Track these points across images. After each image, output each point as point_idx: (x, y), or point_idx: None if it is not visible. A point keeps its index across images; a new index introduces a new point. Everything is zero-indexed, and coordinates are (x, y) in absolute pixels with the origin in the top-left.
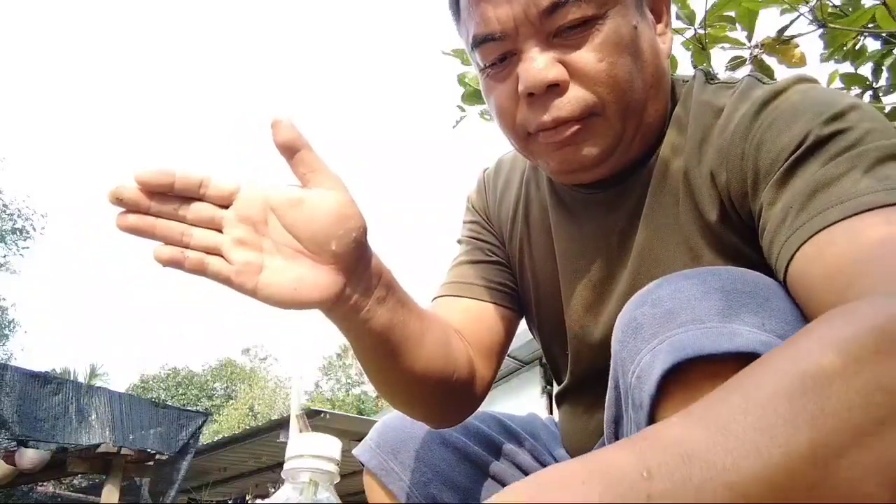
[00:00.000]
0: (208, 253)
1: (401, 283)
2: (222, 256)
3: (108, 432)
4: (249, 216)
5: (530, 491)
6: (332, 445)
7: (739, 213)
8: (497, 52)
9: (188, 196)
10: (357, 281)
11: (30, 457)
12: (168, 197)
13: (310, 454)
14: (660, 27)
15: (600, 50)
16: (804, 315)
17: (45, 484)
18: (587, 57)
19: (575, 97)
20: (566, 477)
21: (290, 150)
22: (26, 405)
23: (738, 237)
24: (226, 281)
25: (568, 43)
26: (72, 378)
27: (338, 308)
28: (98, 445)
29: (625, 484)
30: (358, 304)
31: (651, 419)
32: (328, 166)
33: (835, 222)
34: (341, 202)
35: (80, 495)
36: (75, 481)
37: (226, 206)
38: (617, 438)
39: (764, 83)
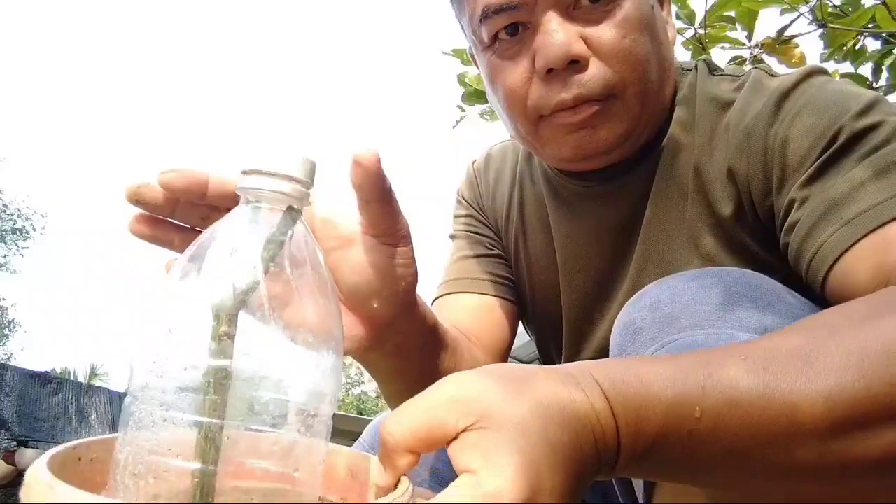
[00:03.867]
0: None
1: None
2: None
3: (108, 432)
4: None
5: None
6: (305, 162)
7: (758, 210)
8: (509, 22)
9: (219, 205)
10: (393, 333)
11: (30, 457)
12: (194, 204)
13: (279, 172)
14: (663, 15)
15: (623, 26)
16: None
17: None
18: (610, 33)
19: (597, 75)
20: (643, 404)
21: (363, 194)
22: (26, 405)
23: (750, 235)
24: None
25: (589, 17)
26: (72, 378)
27: (364, 357)
28: None
29: (679, 418)
30: (389, 353)
31: None
32: (399, 216)
33: (884, 224)
34: (400, 258)
35: None
36: None
37: None
38: None
39: (773, 75)
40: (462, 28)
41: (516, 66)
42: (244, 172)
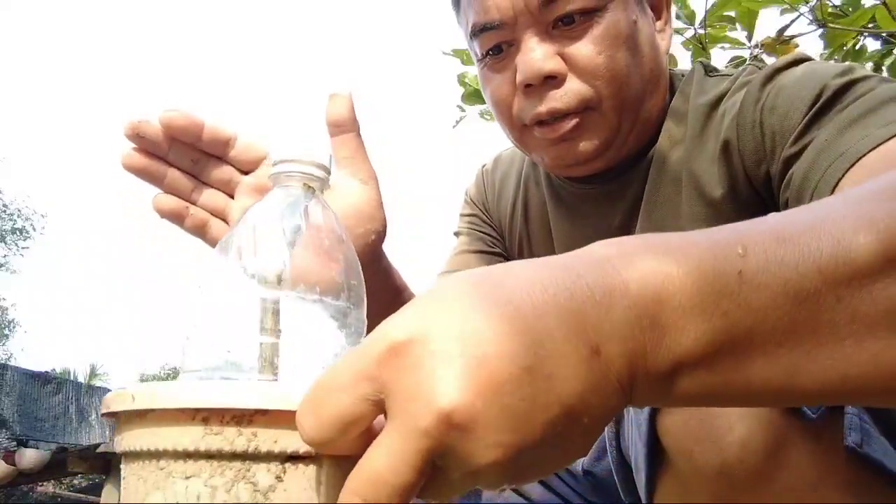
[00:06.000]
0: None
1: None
2: (226, 222)
3: (108, 432)
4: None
5: (636, 250)
6: (324, 153)
7: (753, 182)
8: (495, 41)
9: (210, 152)
10: None
11: (30, 457)
12: (187, 147)
13: (301, 159)
14: (659, 24)
15: (599, 43)
16: None
17: (45, 484)
18: (585, 49)
19: (572, 90)
20: (664, 248)
21: (338, 128)
22: (26, 405)
23: (747, 215)
24: None
25: (566, 35)
26: (72, 378)
27: None
28: (98, 445)
29: (720, 258)
30: None
31: (652, 417)
32: (369, 157)
33: (883, 142)
34: (369, 200)
35: (80, 495)
36: (75, 481)
37: (246, 172)
38: (618, 440)
39: (762, 69)
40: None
41: (502, 80)
42: (274, 162)
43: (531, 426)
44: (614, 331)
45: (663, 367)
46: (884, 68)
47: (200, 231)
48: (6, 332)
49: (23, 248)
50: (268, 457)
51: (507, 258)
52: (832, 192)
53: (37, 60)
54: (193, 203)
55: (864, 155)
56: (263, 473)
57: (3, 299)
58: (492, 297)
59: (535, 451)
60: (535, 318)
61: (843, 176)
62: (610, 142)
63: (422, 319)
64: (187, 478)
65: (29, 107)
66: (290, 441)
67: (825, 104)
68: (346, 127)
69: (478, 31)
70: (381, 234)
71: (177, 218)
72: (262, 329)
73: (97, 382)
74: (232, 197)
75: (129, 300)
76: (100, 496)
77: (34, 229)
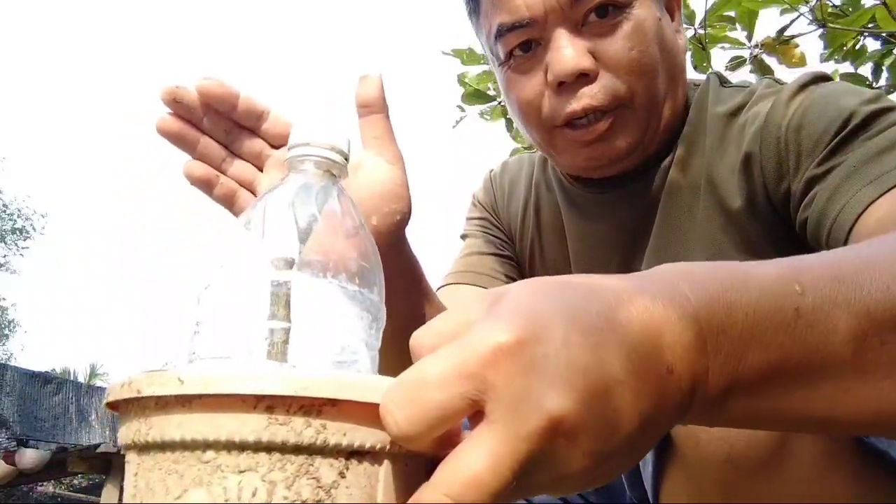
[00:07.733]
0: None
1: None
2: (254, 194)
3: (108, 432)
4: None
5: (705, 279)
6: (343, 138)
7: (772, 197)
8: (522, 39)
9: (242, 124)
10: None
11: (30, 457)
12: (221, 117)
13: (320, 144)
14: (674, 24)
15: (630, 39)
16: None
17: (45, 484)
18: (617, 45)
19: (605, 86)
20: (729, 279)
21: (367, 109)
22: (26, 405)
23: (761, 227)
24: None
25: (596, 31)
26: (72, 378)
27: None
28: (98, 445)
29: (780, 294)
30: None
31: None
32: (396, 139)
33: None
34: (395, 180)
35: (80, 495)
36: (75, 481)
37: (277, 147)
38: None
39: (781, 84)
40: (481, 44)
41: (530, 80)
42: (290, 146)
43: (618, 436)
44: (685, 353)
45: (719, 391)
46: (884, 68)
47: (228, 201)
48: (6, 332)
49: (23, 248)
50: (333, 451)
51: (517, 261)
52: (856, 220)
53: (37, 60)
54: (223, 173)
55: (892, 188)
56: (327, 469)
57: (3, 299)
58: (586, 308)
59: (614, 459)
60: (623, 334)
61: (869, 205)
62: (641, 139)
63: (527, 323)
64: (241, 472)
65: (29, 107)
66: (357, 435)
67: (853, 130)
68: (374, 108)
69: (505, 31)
70: (406, 215)
71: (206, 185)
72: (279, 315)
73: (97, 382)
74: (261, 170)
75: (129, 300)
76: (100, 496)
77: (34, 229)
